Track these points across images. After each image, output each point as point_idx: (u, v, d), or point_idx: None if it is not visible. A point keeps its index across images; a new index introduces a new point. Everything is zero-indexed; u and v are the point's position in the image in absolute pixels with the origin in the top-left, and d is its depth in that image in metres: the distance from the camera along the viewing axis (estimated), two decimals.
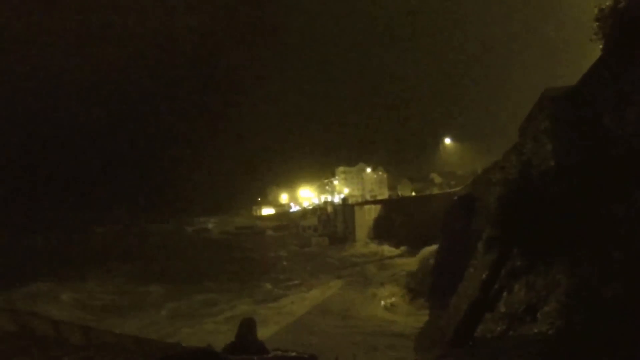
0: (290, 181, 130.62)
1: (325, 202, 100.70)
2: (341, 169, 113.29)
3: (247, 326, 7.26)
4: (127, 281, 43.93)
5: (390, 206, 62.22)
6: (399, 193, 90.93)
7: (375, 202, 72.79)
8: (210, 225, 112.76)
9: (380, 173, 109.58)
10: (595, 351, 6.68)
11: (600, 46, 10.22)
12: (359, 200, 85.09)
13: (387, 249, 51.24)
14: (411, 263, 37.82)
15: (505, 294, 9.74)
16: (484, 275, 10.65)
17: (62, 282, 40.55)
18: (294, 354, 7.79)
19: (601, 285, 7.31)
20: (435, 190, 67.42)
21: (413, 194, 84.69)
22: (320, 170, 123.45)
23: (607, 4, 9.94)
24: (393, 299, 27.72)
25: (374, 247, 55.94)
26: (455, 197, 23.12)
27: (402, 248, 46.79)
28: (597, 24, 10.21)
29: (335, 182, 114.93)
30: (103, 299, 36.79)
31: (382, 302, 27.34)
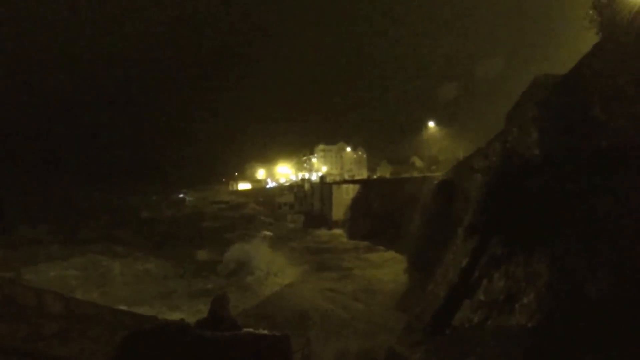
0: (268, 157, 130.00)
1: (303, 180, 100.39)
2: (321, 147, 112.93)
3: (220, 302, 7.22)
4: None
5: (369, 187, 62.40)
6: (378, 174, 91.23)
7: (353, 181, 72.91)
8: (187, 200, 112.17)
9: (360, 153, 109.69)
10: (576, 347, 6.59)
11: (595, 35, 10.04)
12: (337, 179, 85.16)
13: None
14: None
15: (484, 282, 9.64)
16: (463, 262, 10.55)
17: None
18: (265, 332, 7.68)
19: (585, 280, 7.21)
20: (415, 174, 67.77)
21: (387, 175, 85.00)
22: (299, 147, 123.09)
23: None
24: None
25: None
26: (436, 182, 23.03)
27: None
28: (592, 11, 10.01)
29: (314, 160, 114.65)
30: None
31: None
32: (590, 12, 10.27)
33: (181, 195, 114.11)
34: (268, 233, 62.44)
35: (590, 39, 10.18)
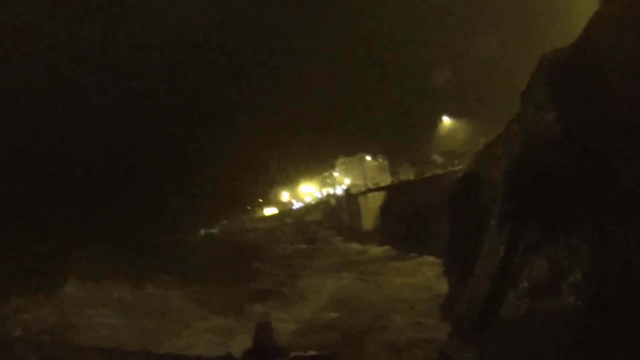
0: (290, 178, 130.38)
1: (328, 195, 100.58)
2: (340, 160, 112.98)
3: (264, 330, 7.16)
4: None
5: (394, 192, 61.99)
6: (402, 178, 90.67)
7: (378, 189, 72.52)
8: (215, 231, 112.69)
9: (380, 160, 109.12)
10: (628, 320, 6.39)
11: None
12: (362, 189, 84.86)
13: None
14: None
15: (526, 269, 9.42)
16: (501, 252, 10.33)
17: None
18: (312, 353, 7.63)
19: (628, 250, 7.01)
20: (438, 171, 67.10)
21: (411, 177, 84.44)
22: (319, 163, 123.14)
23: None
24: None
25: None
26: (460, 176, 22.67)
27: None
28: None
29: (336, 174, 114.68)
30: None
31: None
32: None
33: (211, 230, 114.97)
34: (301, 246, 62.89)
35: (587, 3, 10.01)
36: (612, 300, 6.94)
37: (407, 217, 49.23)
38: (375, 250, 51.40)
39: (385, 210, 58.96)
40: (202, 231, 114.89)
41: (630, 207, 7.48)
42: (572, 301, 7.73)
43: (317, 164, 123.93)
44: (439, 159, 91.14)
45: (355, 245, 59.29)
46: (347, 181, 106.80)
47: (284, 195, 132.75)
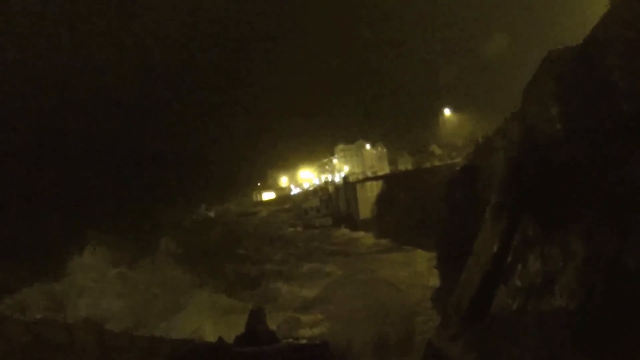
0: (289, 163, 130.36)
1: (326, 182, 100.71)
2: (340, 146, 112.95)
3: (257, 316, 7.15)
4: None
5: (392, 181, 62.02)
6: (400, 167, 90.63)
7: (376, 178, 72.56)
8: (212, 214, 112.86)
9: (379, 148, 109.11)
10: (620, 322, 6.32)
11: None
12: (360, 177, 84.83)
13: None
14: None
15: (519, 266, 9.34)
16: (495, 247, 10.23)
17: None
18: (304, 341, 7.60)
19: (621, 253, 6.90)
20: (437, 163, 67.02)
21: (409, 167, 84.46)
22: (319, 150, 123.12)
23: None
24: None
25: None
26: (458, 168, 22.58)
27: None
28: None
29: (335, 161, 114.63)
30: None
31: None
32: None
33: (209, 213, 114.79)
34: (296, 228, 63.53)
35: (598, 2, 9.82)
36: (606, 302, 6.86)
37: (403, 208, 49.18)
38: (370, 240, 51.53)
39: (381, 199, 58.94)
40: (201, 214, 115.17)
41: (628, 208, 7.36)
42: (564, 302, 7.65)
43: (316, 150, 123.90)
44: (437, 150, 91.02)
45: (350, 234, 59.46)
46: (346, 168, 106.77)
47: (283, 181, 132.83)
